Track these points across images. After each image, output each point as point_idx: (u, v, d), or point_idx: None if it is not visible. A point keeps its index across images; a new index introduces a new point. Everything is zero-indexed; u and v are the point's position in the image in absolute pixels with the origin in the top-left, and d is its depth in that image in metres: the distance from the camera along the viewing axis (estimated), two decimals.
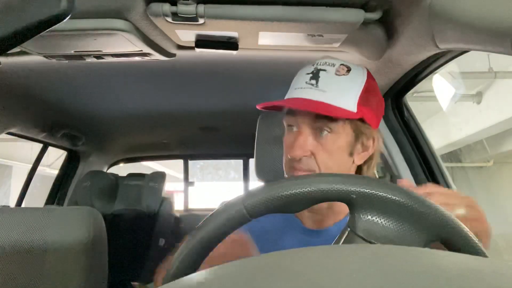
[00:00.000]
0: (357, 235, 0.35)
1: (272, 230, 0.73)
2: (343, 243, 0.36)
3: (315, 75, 0.64)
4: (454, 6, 0.52)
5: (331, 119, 0.61)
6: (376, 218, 0.34)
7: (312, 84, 0.63)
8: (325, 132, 0.62)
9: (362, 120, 0.63)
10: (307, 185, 0.34)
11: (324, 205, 0.65)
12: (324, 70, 0.64)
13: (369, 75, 0.66)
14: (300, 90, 0.63)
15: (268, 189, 0.34)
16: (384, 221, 0.34)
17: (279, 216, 0.72)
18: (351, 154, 0.64)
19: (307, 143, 0.62)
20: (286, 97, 0.66)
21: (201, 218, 0.38)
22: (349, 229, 0.36)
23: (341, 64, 0.65)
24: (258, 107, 0.65)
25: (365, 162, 0.67)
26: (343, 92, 0.62)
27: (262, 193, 0.34)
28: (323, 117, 0.61)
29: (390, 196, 0.33)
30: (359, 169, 0.68)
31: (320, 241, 0.66)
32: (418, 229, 0.33)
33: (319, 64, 0.65)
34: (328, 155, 0.62)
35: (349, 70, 0.65)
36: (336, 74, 0.64)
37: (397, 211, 0.33)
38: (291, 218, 0.72)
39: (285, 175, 0.66)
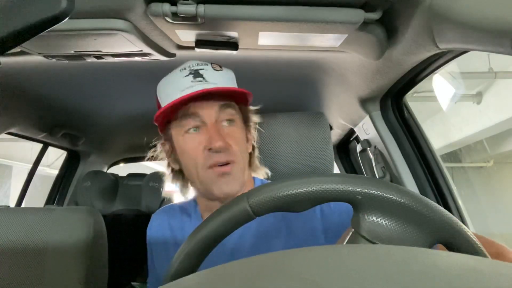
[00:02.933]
0: (361, 235, 0.35)
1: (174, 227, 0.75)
2: (346, 243, 0.36)
3: (197, 74, 0.65)
4: (454, 6, 0.52)
5: (233, 107, 0.64)
6: (380, 219, 0.34)
7: (200, 81, 0.64)
8: (229, 122, 0.64)
9: (246, 106, 0.67)
10: (312, 185, 0.34)
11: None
12: (201, 69, 0.66)
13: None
14: (191, 88, 0.63)
15: (274, 188, 0.34)
16: (388, 222, 0.34)
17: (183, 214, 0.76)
18: (247, 140, 0.68)
19: (222, 133, 0.62)
20: (171, 102, 0.62)
21: None
22: (353, 229, 0.36)
23: (213, 64, 0.68)
24: (155, 121, 0.66)
25: (253, 150, 0.71)
26: (228, 80, 0.66)
27: (267, 191, 0.34)
28: (225, 106, 0.63)
29: (395, 197, 0.33)
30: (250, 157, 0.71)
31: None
32: (422, 230, 0.33)
33: (189, 67, 0.67)
34: (238, 142, 0.64)
35: (220, 66, 0.68)
36: (215, 70, 0.66)
37: (401, 212, 0.33)
38: (194, 215, 0.75)
39: (201, 178, 0.65)
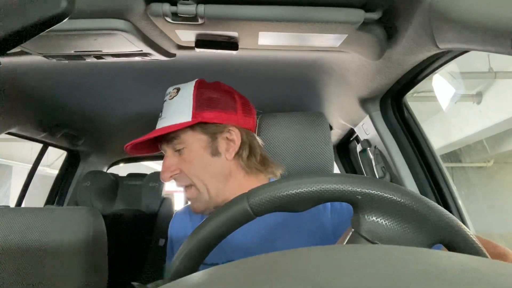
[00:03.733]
0: (360, 235, 0.35)
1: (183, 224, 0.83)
2: (346, 243, 0.36)
3: (163, 107, 0.74)
4: (454, 6, 0.52)
5: (177, 137, 0.70)
6: (380, 219, 0.34)
7: (160, 116, 0.73)
8: (181, 148, 0.70)
9: (205, 122, 0.71)
10: (312, 185, 0.34)
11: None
12: (165, 100, 0.74)
13: (199, 85, 0.73)
14: (157, 125, 0.73)
15: (274, 187, 0.34)
16: (388, 222, 0.34)
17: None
18: (214, 154, 0.71)
19: (172, 163, 0.71)
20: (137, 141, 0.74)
21: None
22: (353, 229, 0.36)
23: (174, 88, 0.75)
24: (126, 149, 0.74)
25: (239, 154, 0.73)
26: (175, 110, 0.71)
27: (268, 191, 0.34)
28: (171, 140, 0.71)
29: (395, 197, 0.33)
30: (241, 162, 0.73)
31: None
32: (422, 231, 0.33)
33: (166, 95, 0.76)
34: (191, 165, 0.70)
35: (178, 90, 0.74)
36: (170, 99, 0.73)
37: (401, 212, 0.33)
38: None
39: None
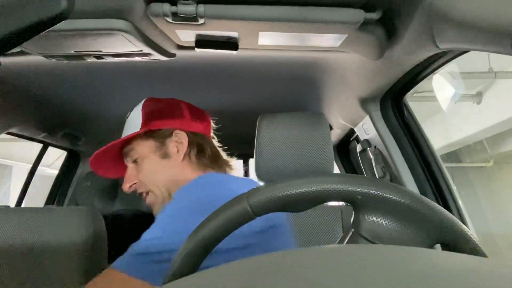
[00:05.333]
0: (361, 235, 0.35)
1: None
2: (346, 243, 0.36)
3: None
4: (454, 6, 0.52)
5: (131, 149, 0.79)
6: (380, 219, 0.34)
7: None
8: (136, 157, 0.79)
9: (153, 130, 0.79)
10: (312, 185, 0.34)
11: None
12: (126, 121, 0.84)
13: (146, 102, 0.83)
14: None
15: (274, 188, 0.34)
16: (388, 222, 0.34)
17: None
18: (164, 157, 0.79)
19: (131, 174, 0.79)
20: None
21: None
22: (353, 229, 0.36)
23: (130, 111, 0.84)
24: (91, 166, 0.86)
25: (188, 154, 0.80)
26: (129, 126, 0.81)
27: (268, 191, 0.34)
28: (126, 154, 0.80)
29: (395, 197, 0.33)
30: (191, 161, 0.80)
31: None
32: (422, 231, 0.33)
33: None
34: (145, 172, 0.78)
35: (131, 110, 0.84)
36: (126, 119, 0.84)
37: (401, 212, 0.33)
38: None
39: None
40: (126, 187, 0.78)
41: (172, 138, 0.79)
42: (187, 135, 0.80)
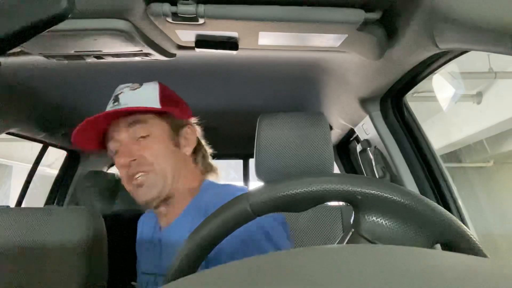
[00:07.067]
0: (361, 235, 0.35)
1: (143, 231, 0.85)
2: (346, 243, 0.36)
3: (116, 99, 0.73)
4: (454, 6, 0.52)
5: (143, 122, 0.70)
6: (380, 219, 0.34)
7: (115, 105, 0.71)
8: (144, 135, 0.70)
9: (172, 116, 0.73)
10: (312, 185, 0.34)
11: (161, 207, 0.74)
12: (121, 92, 0.74)
13: (161, 85, 0.76)
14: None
15: (274, 188, 0.34)
16: (388, 222, 0.34)
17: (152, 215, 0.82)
18: (176, 145, 0.74)
19: (132, 148, 0.69)
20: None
21: None
22: (353, 229, 0.36)
23: (133, 84, 0.76)
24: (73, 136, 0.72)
25: (196, 153, 0.78)
26: (143, 97, 0.72)
27: (268, 191, 0.34)
28: (133, 124, 0.70)
29: (395, 197, 0.33)
30: (196, 160, 0.79)
31: (163, 238, 0.74)
32: (422, 231, 0.33)
33: (114, 93, 0.75)
34: (153, 151, 0.70)
35: (141, 84, 0.75)
36: (132, 90, 0.74)
37: (401, 212, 0.33)
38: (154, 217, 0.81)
39: (129, 192, 0.72)
40: (125, 162, 0.68)
41: (184, 130, 0.77)
42: (196, 133, 0.80)
